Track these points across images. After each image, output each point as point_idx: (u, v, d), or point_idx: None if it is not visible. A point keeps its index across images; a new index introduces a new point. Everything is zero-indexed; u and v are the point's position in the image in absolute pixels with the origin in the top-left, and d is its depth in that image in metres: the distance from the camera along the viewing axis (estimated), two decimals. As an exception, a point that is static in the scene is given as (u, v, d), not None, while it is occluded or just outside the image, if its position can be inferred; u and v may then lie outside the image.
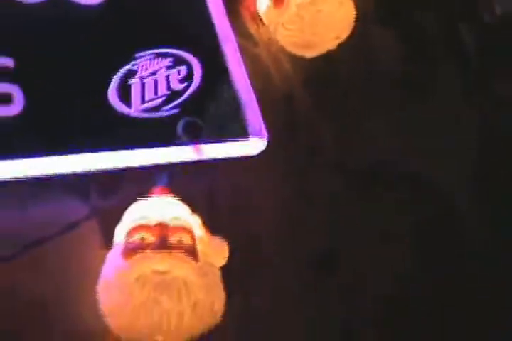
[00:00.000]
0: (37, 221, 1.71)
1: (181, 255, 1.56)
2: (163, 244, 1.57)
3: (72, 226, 1.72)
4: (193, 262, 1.56)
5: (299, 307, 1.79)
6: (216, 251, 1.63)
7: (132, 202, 1.66)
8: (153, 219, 1.61)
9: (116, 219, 1.66)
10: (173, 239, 1.58)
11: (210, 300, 1.56)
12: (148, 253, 1.55)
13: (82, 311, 1.62)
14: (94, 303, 1.58)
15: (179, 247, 1.57)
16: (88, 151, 1.69)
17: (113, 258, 1.59)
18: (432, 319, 1.85)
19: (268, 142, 1.82)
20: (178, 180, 1.73)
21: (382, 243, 1.89)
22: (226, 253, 1.65)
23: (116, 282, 1.55)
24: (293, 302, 1.79)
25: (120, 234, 1.63)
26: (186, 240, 1.59)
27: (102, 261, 1.61)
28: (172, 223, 1.60)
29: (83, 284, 1.62)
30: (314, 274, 1.84)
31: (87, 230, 1.72)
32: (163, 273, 1.53)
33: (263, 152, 1.83)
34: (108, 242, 1.66)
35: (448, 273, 1.90)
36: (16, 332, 1.62)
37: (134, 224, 1.61)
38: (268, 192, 1.87)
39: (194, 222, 1.64)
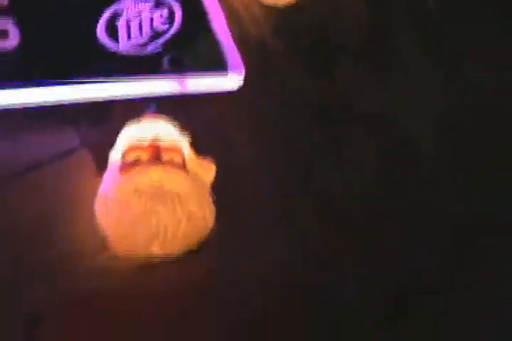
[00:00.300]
0: (31, 149, 1.81)
1: (174, 169, 1.67)
2: (156, 161, 1.67)
3: (66, 154, 1.82)
4: (185, 175, 1.67)
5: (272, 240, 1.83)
6: (204, 170, 1.74)
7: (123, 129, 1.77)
8: (146, 139, 1.71)
9: (109, 147, 1.75)
10: (166, 157, 1.68)
11: (202, 211, 1.64)
12: (143, 167, 1.66)
13: (79, 231, 1.70)
14: (90, 223, 1.67)
15: (171, 164, 1.68)
16: (80, 83, 1.81)
17: (110, 174, 1.69)
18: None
19: (243, 80, 1.94)
20: (162, 111, 1.83)
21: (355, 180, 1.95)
22: (213, 173, 1.75)
23: (114, 195, 1.63)
24: (266, 236, 1.83)
25: (115, 156, 1.72)
26: (177, 159, 1.69)
27: (98, 184, 1.70)
28: (164, 143, 1.71)
29: (79, 206, 1.71)
30: (288, 206, 1.89)
31: (81, 157, 1.82)
32: (158, 185, 1.62)
33: (238, 90, 1.95)
34: (102, 168, 1.74)
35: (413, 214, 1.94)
36: (16, 252, 1.69)
37: (128, 145, 1.71)
38: (243, 127, 1.97)
39: (184, 143, 1.74)
